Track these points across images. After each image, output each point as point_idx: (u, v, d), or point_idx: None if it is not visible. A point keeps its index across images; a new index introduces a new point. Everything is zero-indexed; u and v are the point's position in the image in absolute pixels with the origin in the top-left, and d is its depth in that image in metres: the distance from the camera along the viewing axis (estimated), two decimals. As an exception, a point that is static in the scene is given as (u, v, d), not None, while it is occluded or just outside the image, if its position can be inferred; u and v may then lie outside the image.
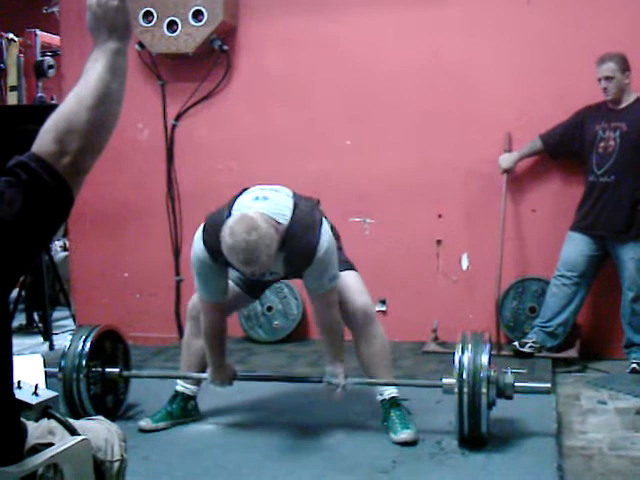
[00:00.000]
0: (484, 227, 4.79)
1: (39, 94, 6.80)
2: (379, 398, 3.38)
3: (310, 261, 3.00)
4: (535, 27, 4.68)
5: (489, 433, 3.12)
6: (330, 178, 4.87)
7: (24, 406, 1.68)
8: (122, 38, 1.53)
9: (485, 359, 3.08)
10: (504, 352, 4.53)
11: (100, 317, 4.53)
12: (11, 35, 6.86)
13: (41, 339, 5.55)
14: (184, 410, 3.52)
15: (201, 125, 5.14)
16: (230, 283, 3.29)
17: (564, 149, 4.63)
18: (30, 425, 1.62)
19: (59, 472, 1.57)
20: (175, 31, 4.87)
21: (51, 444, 1.59)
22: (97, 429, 1.78)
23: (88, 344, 3.43)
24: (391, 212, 4.95)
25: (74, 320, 5.61)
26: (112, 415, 3.34)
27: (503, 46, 4.74)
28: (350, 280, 3.34)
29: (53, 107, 1.50)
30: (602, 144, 4.39)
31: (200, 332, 3.29)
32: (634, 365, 4.34)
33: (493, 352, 3.29)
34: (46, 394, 1.77)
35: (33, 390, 1.75)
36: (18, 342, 5.21)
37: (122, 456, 1.78)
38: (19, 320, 5.95)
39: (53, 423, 1.67)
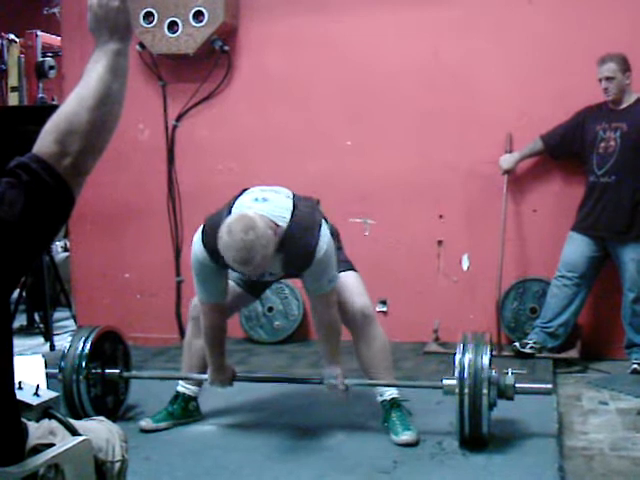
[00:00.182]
0: (485, 227, 4.79)
1: (40, 95, 6.81)
2: (379, 399, 3.38)
3: (309, 262, 2.99)
4: (536, 27, 4.68)
5: (490, 434, 3.12)
6: (330, 178, 4.87)
7: (25, 407, 1.68)
8: (123, 39, 1.53)
9: (486, 360, 3.07)
10: (505, 353, 4.53)
11: (101, 318, 4.54)
12: (12, 36, 6.87)
13: (42, 340, 5.55)
14: (185, 411, 3.52)
15: (202, 126, 5.14)
16: (230, 283, 3.29)
17: (565, 149, 4.63)
18: (31, 425, 1.62)
19: (60, 472, 1.57)
20: (176, 32, 4.87)
21: (52, 444, 1.59)
22: (98, 429, 1.78)
23: (88, 345, 3.42)
24: (392, 212, 4.95)
25: (75, 321, 5.61)
26: (112, 416, 3.33)
27: (504, 46, 4.74)
28: (349, 281, 3.33)
29: (54, 108, 1.50)
30: (603, 144, 4.39)
31: (201, 333, 3.29)
32: (635, 366, 4.33)
33: (494, 353, 3.29)
34: (47, 395, 1.77)
35: (34, 391, 1.75)
36: (19, 343, 5.22)
37: (123, 456, 1.78)
38: (20, 321, 5.95)
39: (54, 423, 1.67)
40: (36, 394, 1.74)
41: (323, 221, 3.11)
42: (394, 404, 3.34)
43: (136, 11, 4.76)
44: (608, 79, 4.33)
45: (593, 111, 4.49)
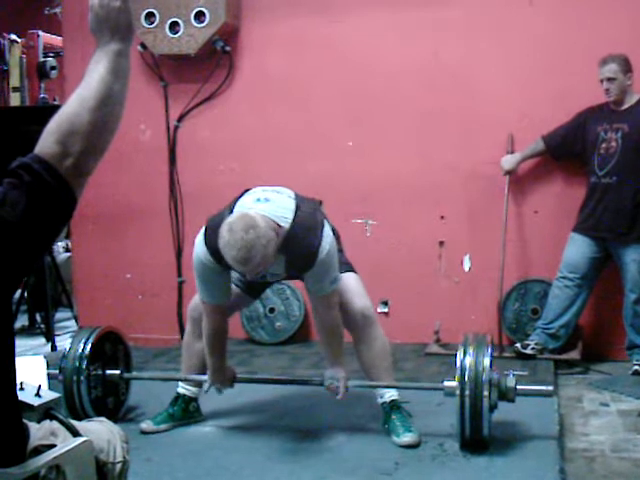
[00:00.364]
0: (486, 228, 4.79)
1: (41, 95, 6.81)
2: (379, 401, 3.38)
3: (312, 263, 2.99)
4: (537, 28, 4.68)
5: (491, 436, 3.11)
6: (332, 179, 4.87)
7: (26, 407, 1.68)
8: (124, 39, 1.53)
9: (487, 361, 3.07)
10: (506, 354, 4.53)
11: (102, 318, 4.54)
12: (13, 36, 6.87)
13: (43, 340, 5.56)
14: (186, 412, 3.52)
15: (203, 126, 5.14)
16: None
17: (566, 150, 4.63)
18: (32, 426, 1.62)
19: (61, 473, 1.57)
20: (177, 32, 4.87)
21: (53, 445, 1.58)
22: (99, 430, 1.78)
23: (88, 346, 3.42)
24: (393, 213, 4.95)
25: (76, 321, 5.61)
26: (113, 417, 3.33)
27: (505, 47, 4.74)
28: (350, 282, 3.33)
29: (55, 108, 1.50)
30: (604, 145, 4.39)
31: (201, 333, 3.28)
32: (636, 367, 4.33)
33: (495, 354, 3.28)
34: (48, 395, 1.77)
35: (35, 391, 1.75)
36: (20, 343, 5.18)
37: (124, 457, 1.78)
38: (21, 321, 5.96)
39: (55, 424, 1.67)
40: (37, 395, 1.74)
41: (325, 222, 3.10)
42: (394, 406, 3.34)
43: (137, 11, 4.76)
44: (609, 80, 4.33)
45: (594, 112, 4.49)
